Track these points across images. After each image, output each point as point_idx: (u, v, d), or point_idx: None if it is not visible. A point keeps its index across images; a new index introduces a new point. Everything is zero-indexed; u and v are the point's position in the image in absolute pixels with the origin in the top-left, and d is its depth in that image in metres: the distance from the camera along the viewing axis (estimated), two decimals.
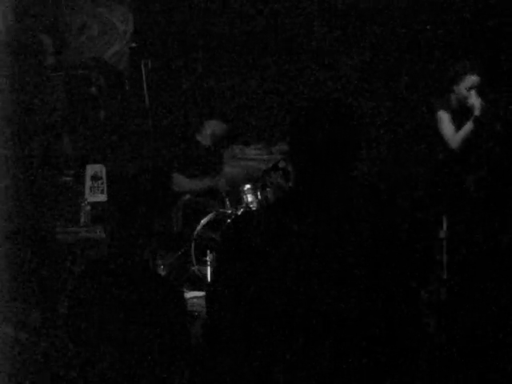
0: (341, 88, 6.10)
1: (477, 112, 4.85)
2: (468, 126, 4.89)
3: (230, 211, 5.27)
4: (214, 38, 6.34)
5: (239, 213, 5.18)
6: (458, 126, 4.95)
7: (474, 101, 4.86)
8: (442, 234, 4.81)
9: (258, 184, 5.41)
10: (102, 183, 5.25)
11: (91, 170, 5.27)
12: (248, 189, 5.38)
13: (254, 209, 5.26)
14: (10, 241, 4.30)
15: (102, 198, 5.22)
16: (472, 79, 4.90)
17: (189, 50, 6.35)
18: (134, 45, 5.94)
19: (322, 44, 6.30)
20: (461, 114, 4.95)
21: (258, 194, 5.36)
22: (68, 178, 5.32)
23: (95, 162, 5.39)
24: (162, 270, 5.08)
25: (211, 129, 5.70)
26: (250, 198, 5.35)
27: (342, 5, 6.18)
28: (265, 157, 6.46)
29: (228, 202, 5.40)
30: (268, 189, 5.41)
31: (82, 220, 5.10)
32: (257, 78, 6.46)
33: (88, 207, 5.14)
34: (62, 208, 5.13)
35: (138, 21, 6.11)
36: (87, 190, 5.23)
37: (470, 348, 3.65)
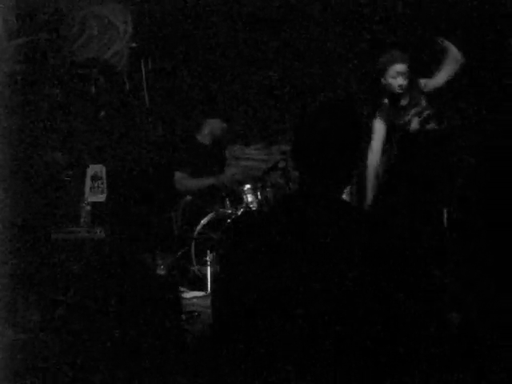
0: (342, 89, 6.11)
1: (396, 90, 4.83)
2: (375, 146, 4.88)
3: (229, 211, 5.27)
4: (214, 38, 6.35)
5: (239, 213, 5.18)
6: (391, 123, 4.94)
7: (397, 82, 4.82)
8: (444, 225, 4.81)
9: (258, 184, 5.41)
10: (102, 183, 5.25)
11: (91, 170, 5.27)
12: (248, 189, 5.38)
13: (254, 209, 5.27)
14: (10, 241, 4.30)
15: (102, 198, 5.22)
16: (397, 67, 4.85)
17: (189, 49, 6.35)
18: (134, 45, 5.94)
19: (322, 44, 6.31)
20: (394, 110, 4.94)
21: (258, 194, 5.37)
22: (68, 178, 5.32)
23: (95, 162, 5.38)
24: (161, 270, 5.09)
25: (210, 128, 5.70)
26: (250, 198, 5.35)
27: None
28: (265, 157, 6.46)
29: (228, 202, 5.41)
30: (268, 189, 5.42)
31: (82, 220, 5.10)
32: (257, 78, 6.47)
33: (88, 207, 5.14)
34: (62, 208, 5.13)
35: (138, 21, 6.11)
36: (87, 190, 5.22)
37: (471, 348, 3.65)
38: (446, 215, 4.90)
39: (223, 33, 6.34)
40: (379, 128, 4.96)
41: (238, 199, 5.40)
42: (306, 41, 6.31)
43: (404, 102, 4.92)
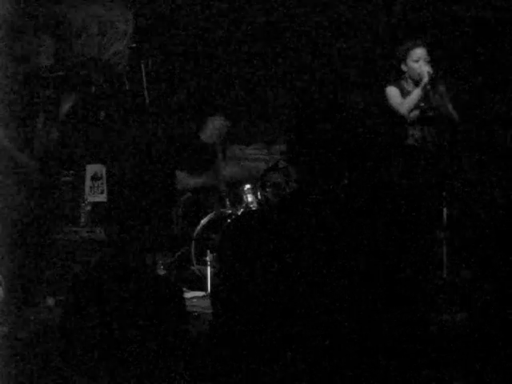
0: (342, 87, 6.11)
1: (425, 79, 4.90)
2: (416, 92, 4.94)
3: (230, 211, 5.27)
4: (214, 38, 6.34)
5: (239, 213, 5.18)
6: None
7: (422, 68, 4.92)
8: (441, 235, 4.82)
9: (258, 184, 5.41)
10: (102, 183, 5.25)
11: (91, 170, 5.27)
12: (248, 189, 5.37)
13: (254, 209, 5.26)
14: (10, 241, 4.30)
15: (102, 198, 5.22)
16: (418, 51, 4.98)
17: (189, 49, 6.35)
18: (133, 45, 5.94)
19: (322, 43, 6.31)
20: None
21: (258, 194, 5.36)
22: (68, 178, 5.32)
23: (95, 161, 5.38)
24: (161, 270, 5.09)
25: (213, 125, 5.70)
26: (249, 198, 5.34)
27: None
28: (265, 157, 6.45)
29: (228, 202, 5.41)
30: (268, 189, 5.41)
31: (82, 220, 5.11)
32: (257, 78, 6.46)
33: (88, 207, 5.14)
34: (62, 208, 5.13)
35: (138, 21, 6.11)
36: (87, 190, 5.22)
37: (471, 348, 3.65)
38: (445, 212, 4.91)
39: (223, 31, 6.34)
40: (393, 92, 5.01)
41: (238, 199, 5.39)
42: (308, 37, 6.31)
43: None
